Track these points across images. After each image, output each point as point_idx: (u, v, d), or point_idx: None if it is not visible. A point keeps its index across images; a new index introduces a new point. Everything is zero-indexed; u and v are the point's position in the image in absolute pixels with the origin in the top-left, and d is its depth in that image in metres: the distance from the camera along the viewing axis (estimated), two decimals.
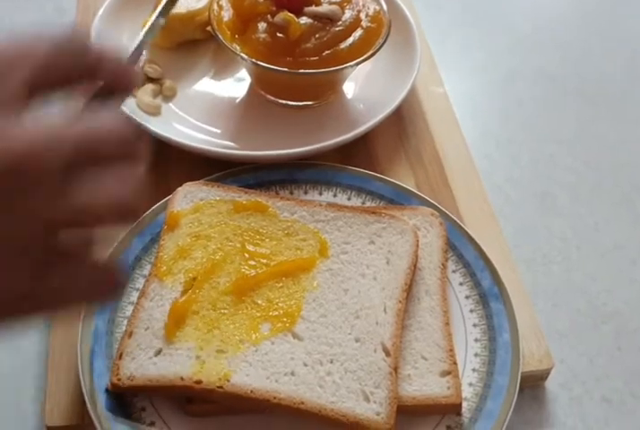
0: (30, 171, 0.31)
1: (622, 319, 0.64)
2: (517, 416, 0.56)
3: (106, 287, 0.37)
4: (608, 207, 0.72)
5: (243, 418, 0.53)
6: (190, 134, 0.70)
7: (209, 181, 0.63)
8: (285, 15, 0.66)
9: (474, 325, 0.58)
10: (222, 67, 0.77)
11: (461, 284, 0.60)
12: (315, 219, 0.60)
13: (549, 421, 0.58)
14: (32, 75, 0.33)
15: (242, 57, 0.67)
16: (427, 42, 0.81)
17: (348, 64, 0.67)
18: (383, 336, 0.54)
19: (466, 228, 0.63)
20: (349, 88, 0.75)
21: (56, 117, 0.33)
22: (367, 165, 0.68)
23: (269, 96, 0.74)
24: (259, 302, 0.55)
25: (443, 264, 0.59)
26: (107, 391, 0.53)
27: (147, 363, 0.53)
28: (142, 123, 0.64)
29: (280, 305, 0.55)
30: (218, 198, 0.61)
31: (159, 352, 0.53)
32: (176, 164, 0.68)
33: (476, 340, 0.57)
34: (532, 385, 0.59)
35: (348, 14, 0.68)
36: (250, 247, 0.58)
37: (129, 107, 0.69)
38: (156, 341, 0.54)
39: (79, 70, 0.35)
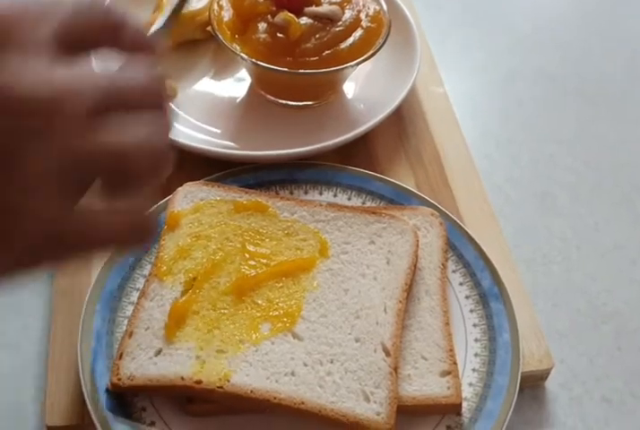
0: (62, 107, 0.31)
1: (622, 319, 0.64)
2: (517, 416, 0.56)
3: (139, 226, 0.36)
4: (608, 207, 0.72)
5: (243, 418, 0.53)
6: (190, 134, 0.70)
7: (209, 181, 0.64)
8: (285, 15, 0.66)
9: (474, 325, 0.58)
10: (222, 67, 0.77)
11: (461, 284, 0.60)
12: (316, 219, 0.60)
13: (548, 421, 0.58)
14: (59, 30, 0.33)
15: (242, 57, 0.67)
16: (427, 42, 0.81)
17: (348, 64, 0.67)
18: (383, 336, 0.54)
19: (466, 228, 0.63)
20: (349, 88, 0.75)
21: (85, 66, 0.33)
22: (367, 165, 0.68)
23: (269, 96, 0.74)
24: (259, 302, 0.55)
25: (443, 264, 0.59)
26: (107, 390, 0.53)
27: (147, 363, 0.53)
28: None
29: (280, 305, 0.55)
30: (218, 198, 0.61)
31: (159, 352, 0.53)
32: (176, 164, 0.68)
33: (476, 340, 0.57)
34: (532, 385, 0.59)
35: (348, 14, 0.68)
36: (250, 247, 0.58)
37: None
38: (156, 341, 0.54)
39: (102, 33, 0.35)
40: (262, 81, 0.74)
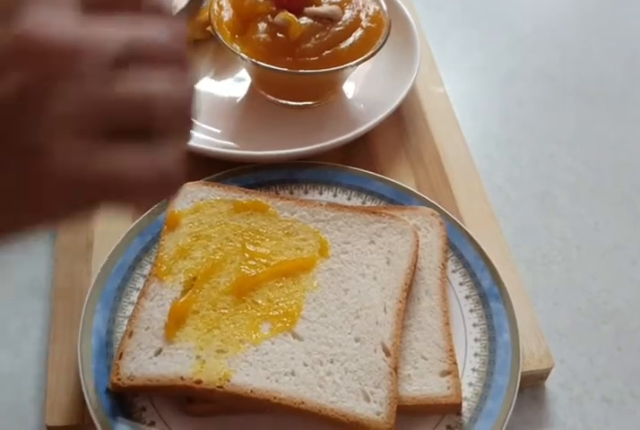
0: (85, 54, 0.32)
1: (622, 319, 0.64)
2: (517, 415, 0.56)
3: (167, 177, 0.35)
4: (608, 207, 0.72)
5: (243, 418, 0.53)
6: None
7: (209, 181, 0.64)
8: (285, 15, 0.66)
9: (474, 325, 0.58)
10: (222, 67, 0.77)
11: (461, 284, 0.60)
12: (316, 219, 0.60)
13: (548, 421, 0.58)
14: None
15: (242, 57, 0.67)
16: (427, 42, 0.81)
17: (348, 64, 0.67)
18: (383, 336, 0.54)
19: (466, 228, 0.63)
20: (349, 88, 0.75)
21: (108, 23, 0.33)
22: (367, 165, 0.68)
23: (269, 96, 0.74)
24: (259, 302, 0.55)
25: (443, 264, 0.59)
26: (107, 390, 0.53)
27: (147, 363, 0.53)
28: None
29: (280, 304, 0.55)
30: (218, 198, 0.61)
31: (159, 352, 0.53)
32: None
33: (476, 340, 0.57)
34: (532, 385, 0.59)
35: (348, 14, 0.68)
36: (250, 247, 0.58)
37: None
38: (156, 341, 0.54)
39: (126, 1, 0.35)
40: (262, 81, 0.74)
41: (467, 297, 0.59)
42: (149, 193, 0.36)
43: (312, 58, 0.66)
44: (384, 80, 0.75)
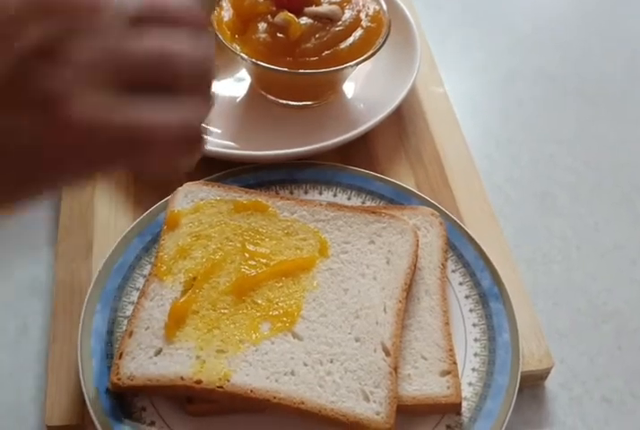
0: (104, 9, 0.33)
1: (622, 318, 0.64)
2: (517, 415, 0.56)
3: (192, 132, 0.36)
4: (608, 207, 0.72)
5: (243, 418, 0.53)
6: None
7: (209, 181, 0.64)
8: (285, 15, 0.66)
9: (474, 325, 0.58)
10: (222, 67, 0.77)
11: (460, 284, 0.60)
12: (316, 219, 0.60)
13: (548, 421, 0.58)
14: None
15: (242, 57, 0.67)
16: (427, 42, 0.81)
17: (348, 64, 0.67)
18: (383, 336, 0.54)
19: (466, 228, 0.63)
20: (349, 88, 0.75)
21: None
22: (367, 165, 0.68)
23: (269, 96, 0.74)
24: (259, 302, 0.55)
25: (443, 264, 0.59)
26: (107, 390, 0.53)
27: (147, 362, 0.53)
28: None
29: (280, 304, 0.55)
30: (218, 198, 0.62)
31: (159, 352, 0.53)
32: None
33: (476, 340, 0.57)
34: (532, 385, 0.59)
35: (348, 14, 0.68)
36: (250, 247, 0.58)
37: None
38: (156, 341, 0.54)
39: None
40: (262, 81, 0.74)
41: (467, 297, 0.59)
42: (174, 150, 0.36)
43: (312, 58, 0.66)
44: (384, 80, 0.75)
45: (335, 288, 0.56)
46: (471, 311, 0.58)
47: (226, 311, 0.55)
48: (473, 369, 0.55)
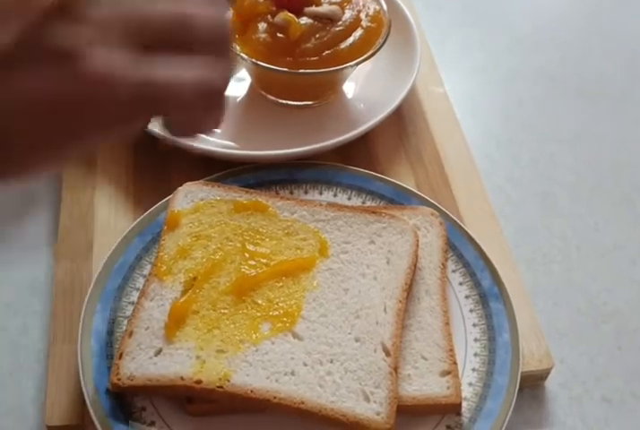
0: None
1: (622, 318, 0.64)
2: (517, 415, 0.56)
3: (215, 90, 0.36)
4: (608, 207, 0.72)
5: (243, 418, 0.53)
6: None
7: (209, 181, 0.64)
8: (285, 15, 0.66)
9: (474, 325, 0.58)
10: None
11: (460, 284, 0.60)
12: (316, 219, 0.60)
13: (548, 421, 0.58)
14: None
15: (242, 57, 0.67)
16: (427, 42, 0.81)
17: (348, 64, 0.67)
18: (383, 336, 0.54)
19: (466, 228, 0.63)
20: (349, 88, 0.75)
21: None
22: (367, 165, 0.68)
23: (269, 96, 0.74)
24: (259, 302, 0.55)
25: (443, 264, 0.59)
26: (107, 391, 0.53)
27: (147, 363, 0.53)
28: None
29: (280, 304, 0.55)
30: (218, 198, 0.61)
31: (159, 352, 0.53)
32: (176, 164, 0.68)
33: (476, 340, 0.57)
34: (532, 385, 0.59)
35: (348, 14, 0.68)
36: (250, 247, 0.58)
37: None
38: (156, 341, 0.54)
39: None
40: (262, 81, 0.74)
41: (467, 297, 0.59)
42: (193, 106, 0.36)
43: (312, 58, 0.66)
44: (384, 80, 0.75)
45: (335, 288, 0.56)
46: (471, 311, 0.58)
47: (226, 311, 0.55)
48: (473, 369, 0.55)
